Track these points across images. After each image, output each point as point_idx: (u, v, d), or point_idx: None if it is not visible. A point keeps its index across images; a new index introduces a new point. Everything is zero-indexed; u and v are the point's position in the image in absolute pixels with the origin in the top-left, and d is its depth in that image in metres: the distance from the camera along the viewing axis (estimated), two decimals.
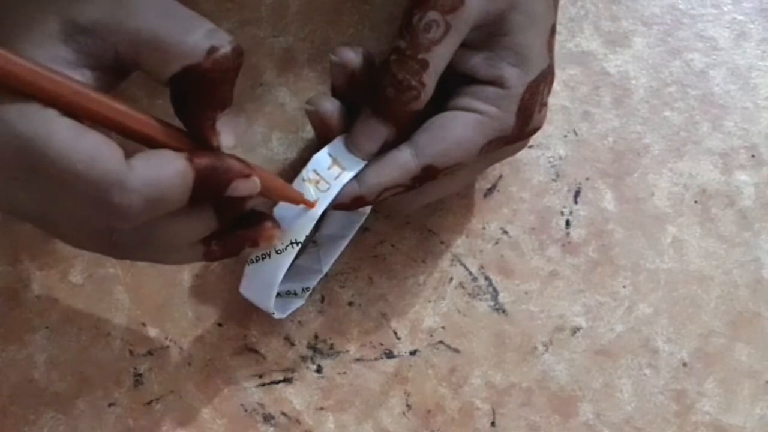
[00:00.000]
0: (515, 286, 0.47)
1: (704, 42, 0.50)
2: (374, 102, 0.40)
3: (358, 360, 0.46)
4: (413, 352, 0.46)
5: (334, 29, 0.49)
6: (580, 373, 0.46)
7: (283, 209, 0.41)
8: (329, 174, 0.40)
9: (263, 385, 0.45)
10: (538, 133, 0.43)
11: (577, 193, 0.48)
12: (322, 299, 0.46)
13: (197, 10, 0.35)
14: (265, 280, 0.41)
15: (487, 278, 0.47)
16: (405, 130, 0.40)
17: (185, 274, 0.46)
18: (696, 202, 0.48)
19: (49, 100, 0.32)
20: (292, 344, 0.46)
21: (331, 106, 0.41)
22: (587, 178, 0.48)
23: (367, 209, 0.46)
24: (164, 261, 0.39)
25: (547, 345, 0.46)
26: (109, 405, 0.45)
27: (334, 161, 0.41)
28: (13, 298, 0.46)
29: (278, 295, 0.44)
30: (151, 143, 0.35)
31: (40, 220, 0.36)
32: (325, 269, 0.46)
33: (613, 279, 0.47)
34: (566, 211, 0.48)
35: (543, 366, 0.46)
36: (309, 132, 0.48)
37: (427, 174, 0.40)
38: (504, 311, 0.47)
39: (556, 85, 0.44)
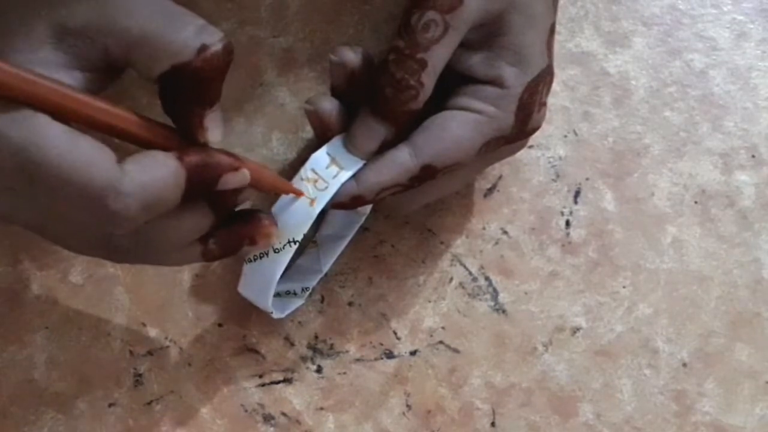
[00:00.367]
0: (515, 286, 0.47)
1: (704, 42, 0.50)
2: (373, 101, 0.40)
3: (358, 360, 0.46)
4: (413, 353, 0.46)
5: (334, 29, 0.49)
6: (580, 374, 0.46)
7: (280, 208, 0.41)
8: (327, 173, 0.40)
9: (263, 385, 0.45)
10: (538, 133, 0.43)
11: (577, 194, 0.48)
12: (322, 299, 0.46)
13: (197, 10, 0.35)
14: (263, 278, 0.41)
15: (487, 278, 0.47)
16: (404, 129, 0.40)
17: (185, 274, 0.46)
18: (696, 202, 0.48)
19: (40, 105, 0.32)
20: (292, 344, 0.46)
21: (330, 106, 0.41)
22: (587, 179, 0.48)
23: (367, 209, 0.46)
24: (163, 263, 0.39)
25: (547, 345, 0.46)
26: (109, 405, 0.45)
27: (333, 160, 0.41)
28: (13, 299, 0.46)
29: (278, 295, 0.44)
30: (140, 142, 0.35)
31: (37, 227, 0.36)
32: (325, 269, 0.46)
33: (613, 279, 0.47)
34: (566, 211, 0.48)
35: (543, 366, 0.46)
36: (309, 132, 0.48)
37: (426, 174, 0.40)
38: (504, 311, 0.47)
39: (556, 85, 0.44)
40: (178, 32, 0.34)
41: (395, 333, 0.46)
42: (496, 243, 0.47)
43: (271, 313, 0.44)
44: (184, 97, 0.35)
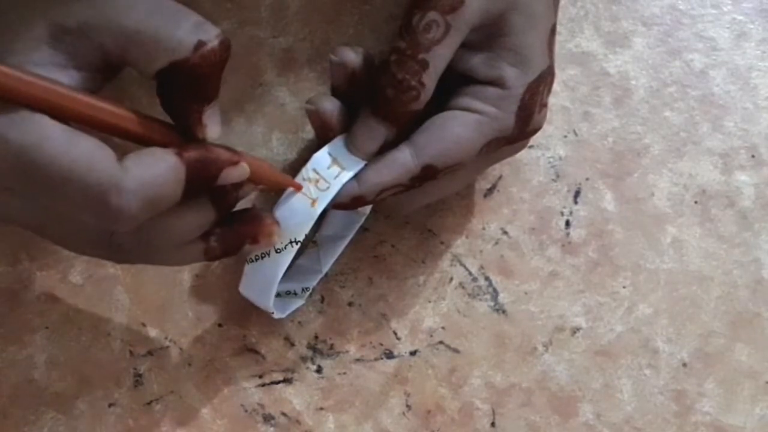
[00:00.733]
0: (515, 286, 0.47)
1: (704, 42, 0.50)
2: (374, 102, 0.40)
3: (358, 360, 0.46)
4: (413, 353, 0.46)
5: (334, 29, 0.49)
6: (580, 374, 0.46)
7: (282, 208, 0.41)
8: (329, 173, 0.40)
9: (263, 385, 0.45)
10: (538, 134, 0.43)
11: (577, 194, 0.48)
12: (322, 299, 0.46)
13: (197, 10, 0.35)
14: (265, 278, 0.41)
15: (487, 278, 0.47)
16: (404, 130, 0.40)
17: (185, 274, 0.46)
18: (696, 202, 0.48)
19: (38, 105, 0.32)
20: (292, 344, 0.46)
21: (331, 106, 0.41)
22: (587, 179, 0.48)
23: (367, 209, 0.46)
24: (166, 262, 0.39)
25: (547, 345, 0.46)
26: (109, 405, 0.45)
27: (334, 160, 0.41)
28: (13, 299, 0.46)
29: (278, 295, 0.44)
30: (139, 140, 0.35)
31: (37, 228, 0.36)
32: (325, 269, 0.46)
33: (613, 279, 0.47)
34: (566, 211, 0.48)
35: (543, 366, 0.46)
36: (309, 132, 0.48)
37: (427, 174, 0.40)
38: (504, 311, 0.47)
39: (556, 86, 0.44)
40: (175, 29, 0.34)
41: (395, 333, 0.46)
42: (496, 243, 0.47)
43: (272, 313, 0.44)
44: (182, 94, 0.35)
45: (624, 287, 0.47)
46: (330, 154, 0.41)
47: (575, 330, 0.47)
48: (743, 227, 0.48)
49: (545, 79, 0.41)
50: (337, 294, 0.47)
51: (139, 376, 0.45)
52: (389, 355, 0.46)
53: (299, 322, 0.46)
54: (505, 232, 0.48)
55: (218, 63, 0.35)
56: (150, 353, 0.46)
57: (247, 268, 0.42)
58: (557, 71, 0.43)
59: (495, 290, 0.47)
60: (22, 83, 0.32)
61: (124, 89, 0.46)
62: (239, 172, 0.37)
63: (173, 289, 0.46)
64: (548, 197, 0.48)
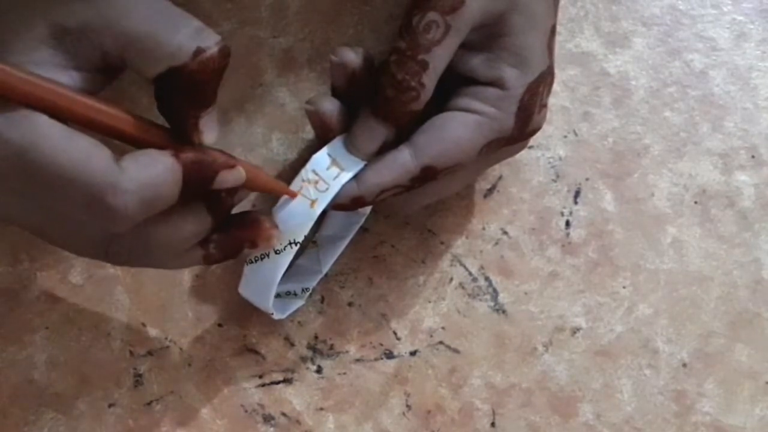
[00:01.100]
0: (515, 286, 0.47)
1: (704, 42, 0.50)
2: (374, 102, 0.40)
3: (358, 360, 0.46)
4: (413, 353, 0.46)
5: (334, 30, 0.49)
6: (580, 374, 0.46)
7: (281, 209, 0.41)
8: (328, 174, 0.40)
9: (263, 385, 0.45)
10: (538, 134, 0.43)
11: (577, 194, 0.48)
12: (322, 300, 0.46)
13: (197, 11, 0.35)
14: (264, 279, 0.41)
15: (487, 279, 0.47)
16: (404, 130, 0.40)
17: (185, 274, 0.46)
18: (696, 202, 0.48)
19: (37, 105, 0.33)
20: (292, 345, 0.46)
21: (331, 106, 0.41)
22: (587, 179, 0.48)
23: (367, 210, 0.46)
24: (164, 266, 0.39)
25: (547, 345, 0.46)
26: (109, 405, 0.45)
27: (334, 161, 0.41)
28: (13, 299, 0.46)
29: (278, 295, 0.44)
30: (136, 142, 0.35)
31: (36, 228, 0.36)
32: (325, 270, 0.46)
33: (613, 279, 0.47)
34: (566, 211, 0.48)
35: (543, 366, 0.46)
36: (309, 132, 0.48)
37: (427, 175, 0.40)
38: (504, 312, 0.47)
39: (556, 86, 0.44)
40: (175, 34, 0.34)
41: (395, 333, 0.46)
42: (496, 243, 0.48)
43: (272, 313, 0.44)
44: (180, 98, 0.35)
45: (624, 287, 0.47)
46: (329, 155, 0.41)
47: (575, 330, 0.47)
48: (743, 227, 0.48)
49: (545, 79, 0.41)
50: (337, 294, 0.47)
51: (139, 376, 0.45)
52: (389, 355, 0.46)
53: (299, 323, 0.46)
54: (505, 233, 0.48)
55: (217, 70, 0.35)
56: (150, 353, 0.46)
57: (247, 268, 0.42)
58: (557, 71, 0.43)
59: (495, 290, 0.47)
60: (22, 82, 0.32)
61: (124, 90, 0.46)
62: (235, 175, 0.37)
63: (173, 289, 0.46)
64: (548, 197, 0.48)
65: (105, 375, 0.45)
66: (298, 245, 0.40)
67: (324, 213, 0.41)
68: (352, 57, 0.41)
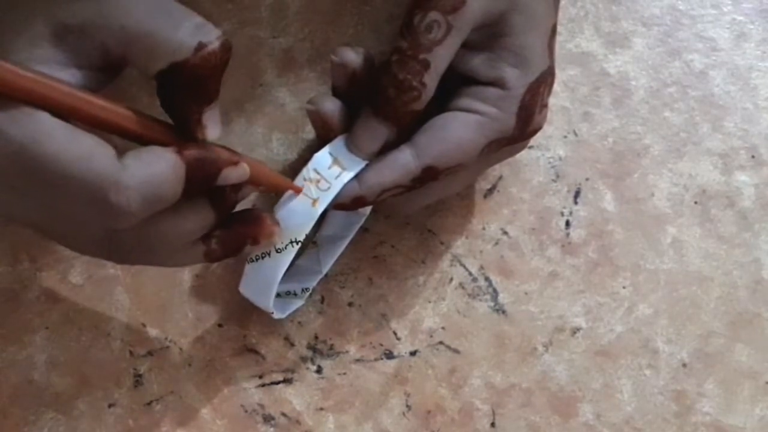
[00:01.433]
0: (515, 286, 0.47)
1: (704, 43, 0.50)
2: (375, 102, 0.40)
3: (358, 360, 0.46)
4: (413, 353, 0.46)
5: (334, 30, 0.49)
6: (580, 374, 0.46)
7: (282, 209, 0.41)
8: (330, 173, 0.40)
9: (263, 385, 0.45)
10: (538, 134, 0.43)
11: (577, 194, 0.48)
12: (322, 300, 0.46)
13: (198, 10, 0.35)
14: (265, 278, 0.41)
15: (487, 279, 0.47)
16: (406, 130, 0.40)
17: (185, 274, 0.46)
18: (696, 202, 0.48)
19: (39, 103, 0.33)
20: (292, 345, 0.46)
21: (332, 106, 0.41)
22: (587, 179, 0.48)
23: (367, 210, 0.46)
24: (166, 264, 0.39)
25: (547, 345, 0.46)
26: (109, 405, 0.45)
27: (335, 161, 0.41)
28: (13, 299, 0.46)
29: (278, 295, 0.44)
30: (139, 139, 0.35)
31: (39, 225, 0.36)
32: (325, 270, 0.46)
33: (613, 279, 0.47)
34: (566, 211, 0.48)
35: (543, 366, 0.46)
36: (309, 132, 0.48)
37: (428, 175, 0.40)
38: (504, 312, 0.47)
39: (556, 86, 0.44)
40: (176, 30, 0.34)
41: (395, 333, 0.46)
42: (496, 243, 0.48)
43: (272, 313, 0.44)
44: (183, 94, 0.35)
45: (624, 287, 0.47)
46: (331, 154, 0.41)
47: (575, 330, 0.47)
48: (743, 227, 0.48)
49: (546, 79, 0.41)
50: (337, 294, 0.47)
51: (139, 376, 0.45)
52: (389, 355, 0.46)
53: (299, 323, 0.46)
54: (505, 233, 0.48)
55: (219, 65, 0.35)
56: (150, 353, 0.45)
57: (248, 267, 0.42)
58: (557, 71, 0.43)
59: (495, 290, 0.47)
60: (24, 80, 0.32)
61: (125, 89, 0.46)
62: (239, 172, 0.37)
63: (173, 289, 0.46)
64: (548, 197, 0.48)
65: (105, 375, 0.45)
66: (300, 244, 0.40)
67: (324, 213, 0.41)
68: (353, 57, 0.41)
